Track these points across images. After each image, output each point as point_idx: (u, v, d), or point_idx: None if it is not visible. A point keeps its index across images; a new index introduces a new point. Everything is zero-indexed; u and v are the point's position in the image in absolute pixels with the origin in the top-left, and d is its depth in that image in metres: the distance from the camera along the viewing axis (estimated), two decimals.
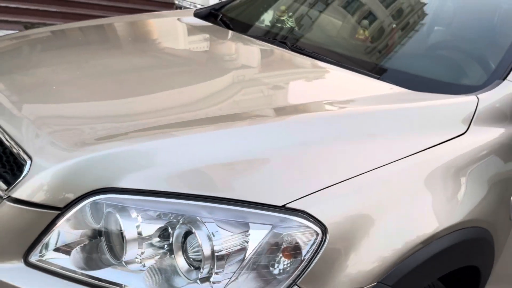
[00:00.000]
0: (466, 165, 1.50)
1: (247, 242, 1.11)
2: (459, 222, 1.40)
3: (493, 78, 1.77)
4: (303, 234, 1.13)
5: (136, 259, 1.11)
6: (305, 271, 1.12)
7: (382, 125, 1.46)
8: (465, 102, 1.63)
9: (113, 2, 8.01)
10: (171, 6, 7.60)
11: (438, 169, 1.41)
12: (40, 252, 1.13)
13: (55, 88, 1.58)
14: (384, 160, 1.32)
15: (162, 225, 1.13)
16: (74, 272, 1.11)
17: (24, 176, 1.15)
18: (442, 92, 1.71)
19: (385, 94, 1.72)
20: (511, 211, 1.73)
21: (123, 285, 1.10)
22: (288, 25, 2.52)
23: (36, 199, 1.12)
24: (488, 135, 1.62)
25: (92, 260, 1.14)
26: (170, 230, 1.13)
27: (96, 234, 1.15)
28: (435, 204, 1.36)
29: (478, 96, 1.65)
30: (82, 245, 1.15)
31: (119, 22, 2.58)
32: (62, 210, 1.12)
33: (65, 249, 1.14)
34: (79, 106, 1.49)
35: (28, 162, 1.17)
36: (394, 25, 2.40)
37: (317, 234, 1.13)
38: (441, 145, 1.47)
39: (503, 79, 1.75)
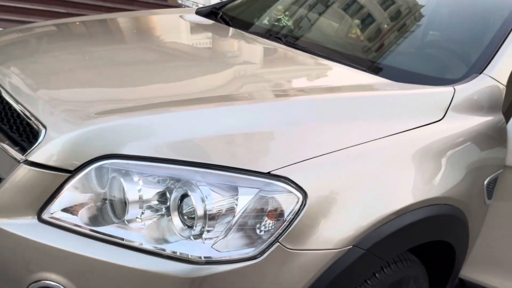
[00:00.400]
0: (441, 147, 1.63)
1: (236, 204, 1.24)
2: (431, 198, 1.52)
3: (471, 72, 1.90)
4: (285, 198, 1.26)
5: (137, 219, 1.25)
6: (286, 231, 1.25)
7: (364, 109, 1.59)
8: (442, 92, 1.76)
9: (118, 5, 8.20)
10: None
11: (414, 149, 1.54)
12: (52, 210, 1.26)
13: (67, 72, 1.72)
14: (364, 138, 1.45)
15: (161, 189, 1.26)
16: (81, 227, 1.25)
17: (39, 142, 1.29)
18: (423, 83, 1.84)
19: (369, 83, 1.86)
20: (484, 195, 1.86)
21: (124, 239, 1.23)
22: (283, 23, 2.67)
23: (50, 162, 1.26)
24: (464, 122, 1.75)
25: (96, 219, 1.27)
26: (168, 194, 1.26)
27: (101, 197, 1.29)
28: (409, 180, 1.49)
29: (455, 87, 1.78)
30: (88, 206, 1.28)
31: (125, 18, 2.73)
32: (72, 173, 1.26)
33: (73, 209, 1.27)
34: (88, 88, 1.62)
35: (43, 130, 1.31)
36: (380, 24, 2.54)
37: (298, 199, 1.26)
38: (418, 129, 1.59)
39: (480, 73, 1.88)
